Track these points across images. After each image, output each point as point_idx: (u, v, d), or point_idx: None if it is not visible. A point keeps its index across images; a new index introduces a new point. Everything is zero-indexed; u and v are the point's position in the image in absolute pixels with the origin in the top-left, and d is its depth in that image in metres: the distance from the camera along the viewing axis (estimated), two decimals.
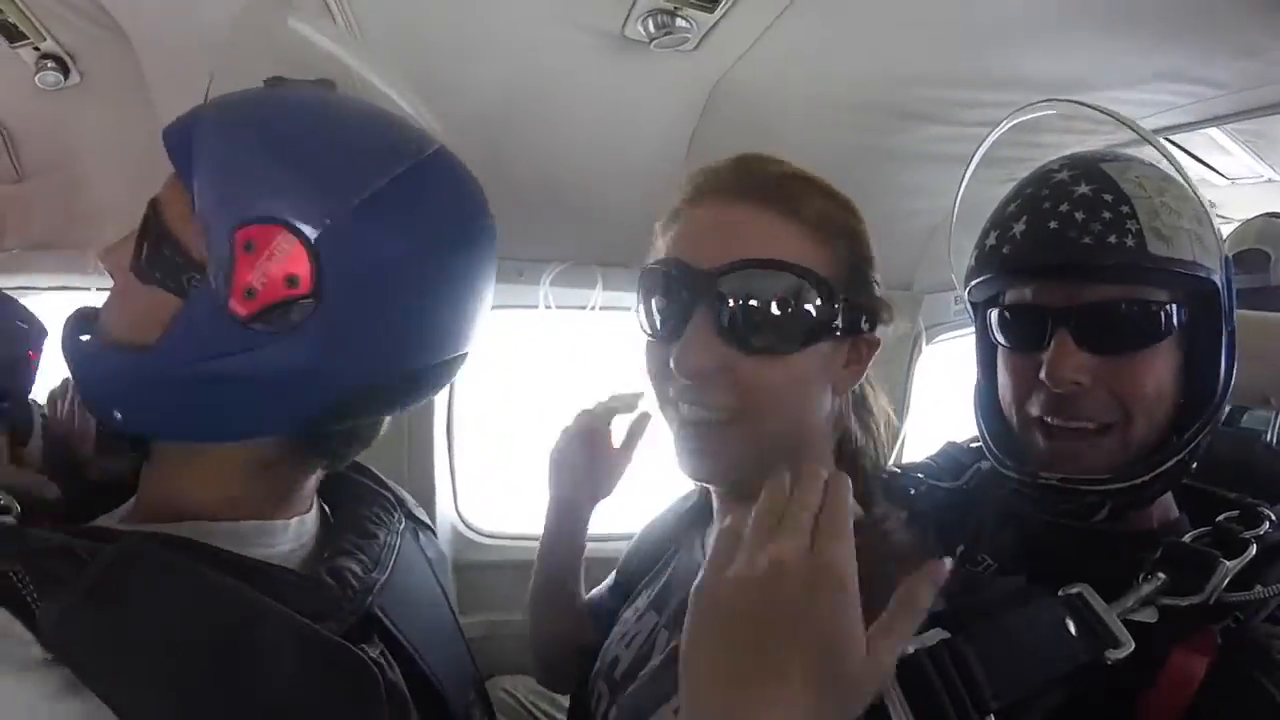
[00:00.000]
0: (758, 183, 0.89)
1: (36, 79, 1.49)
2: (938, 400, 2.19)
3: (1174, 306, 0.91)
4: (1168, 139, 1.68)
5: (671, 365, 0.84)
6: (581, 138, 1.59)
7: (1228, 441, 1.04)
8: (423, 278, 0.76)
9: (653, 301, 0.89)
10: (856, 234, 0.91)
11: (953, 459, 1.24)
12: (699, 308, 0.83)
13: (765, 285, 0.84)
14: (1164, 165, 0.97)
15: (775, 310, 0.84)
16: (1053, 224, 0.91)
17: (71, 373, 0.82)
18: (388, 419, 0.89)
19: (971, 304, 1.06)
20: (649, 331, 0.90)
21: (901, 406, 2.10)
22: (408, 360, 0.78)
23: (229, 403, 0.74)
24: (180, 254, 0.73)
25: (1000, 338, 1.00)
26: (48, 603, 0.62)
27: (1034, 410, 0.97)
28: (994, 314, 1.01)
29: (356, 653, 0.76)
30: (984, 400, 1.08)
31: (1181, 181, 0.95)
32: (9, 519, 0.76)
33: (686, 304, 0.84)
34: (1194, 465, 0.96)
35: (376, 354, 0.75)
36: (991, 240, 0.98)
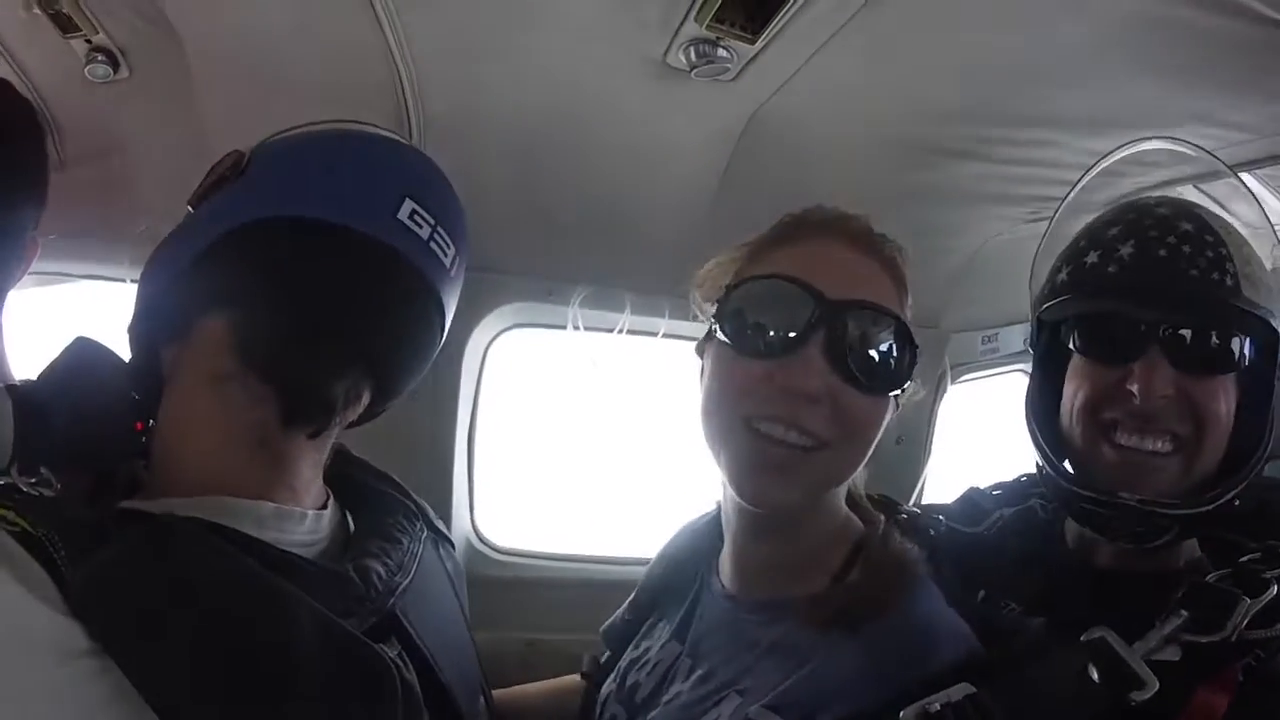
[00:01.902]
0: (866, 234, 0.95)
1: (86, 71, 1.51)
2: (961, 442, 2.18)
3: (1246, 343, 1.00)
4: (1196, 186, 1.68)
5: (779, 381, 0.86)
6: (617, 161, 1.60)
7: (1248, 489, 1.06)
8: (313, 153, 0.93)
9: (760, 315, 0.91)
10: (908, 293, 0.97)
11: (974, 504, 1.26)
12: (818, 332, 0.86)
13: (878, 328, 0.89)
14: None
15: (883, 352, 0.89)
16: (1162, 252, 0.99)
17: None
18: (359, 395, 0.93)
19: (1045, 323, 1.12)
20: (742, 343, 0.91)
21: (924, 447, 2.09)
22: (277, 204, 0.87)
23: (162, 258, 0.90)
24: None
25: (1085, 348, 1.06)
26: (77, 568, 0.65)
27: (1109, 414, 1.02)
28: (1079, 326, 1.06)
29: (376, 650, 0.77)
30: (1041, 418, 1.12)
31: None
32: (49, 492, 0.77)
33: (805, 325, 0.87)
34: (1236, 503, 1.00)
35: (256, 197, 0.88)
36: (1093, 259, 1.04)
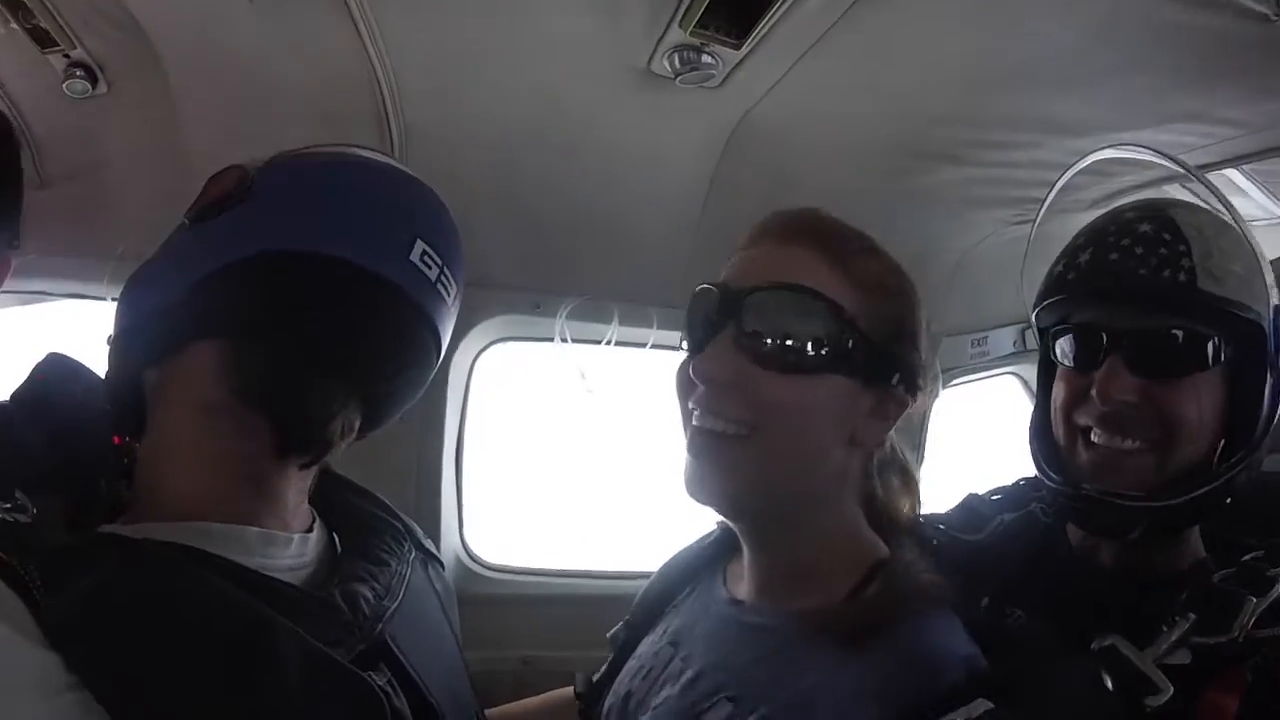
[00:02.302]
0: (816, 230, 0.93)
1: (65, 86, 1.50)
2: (954, 446, 2.18)
3: (1220, 342, 0.98)
4: (1184, 184, 1.68)
5: (690, 373, 0.88)
6: (603, 171, 1.59)
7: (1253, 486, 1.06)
8: (321, 184, 0.89)
9: (689, 318, 0.93)
10: (907, 300, 0.94)
11: (974, 512, 1.26)
12: (726, 322, 0.87)
13: (788, 306, 0.87)
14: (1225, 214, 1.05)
15: (793, 329, 0.87)
16: (1114, 255, 1.01)
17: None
18: (349, 418, 0.91)
19: (1039, 330, 1.14)
20: (687, 348, 0.93)
21: (917, 452, 2.07)
22: (282, 238, 0.85)
23: (153, 281, 0.87)
24: None
25: (1060, 356, 1.07)
26: (54, 599, 0.64)
27: (1081, 420, 1.03)
28: (1056, 335, 1.08)
29: (365, 679, 0.76)
30: (1037, 419, 1.14)
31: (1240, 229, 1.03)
32: (24, 518, 0.75)
33: (715, 319, 0.88)
34: (1229, 499, 1.00)
35: (260, 228, 0.85)
36: (1059, 268, 1.07)
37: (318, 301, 0.84)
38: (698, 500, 0.91)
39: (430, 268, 0.89)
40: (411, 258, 0.88)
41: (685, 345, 0.94)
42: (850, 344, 0.87)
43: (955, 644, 0.83)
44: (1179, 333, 0.98)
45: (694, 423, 0.89)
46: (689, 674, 0.94)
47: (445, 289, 0.92)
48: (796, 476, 0.90)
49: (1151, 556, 1.03)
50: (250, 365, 0.82)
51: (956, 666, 0.80)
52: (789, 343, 0.87)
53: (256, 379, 0.82)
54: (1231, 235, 1.01)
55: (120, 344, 0.87)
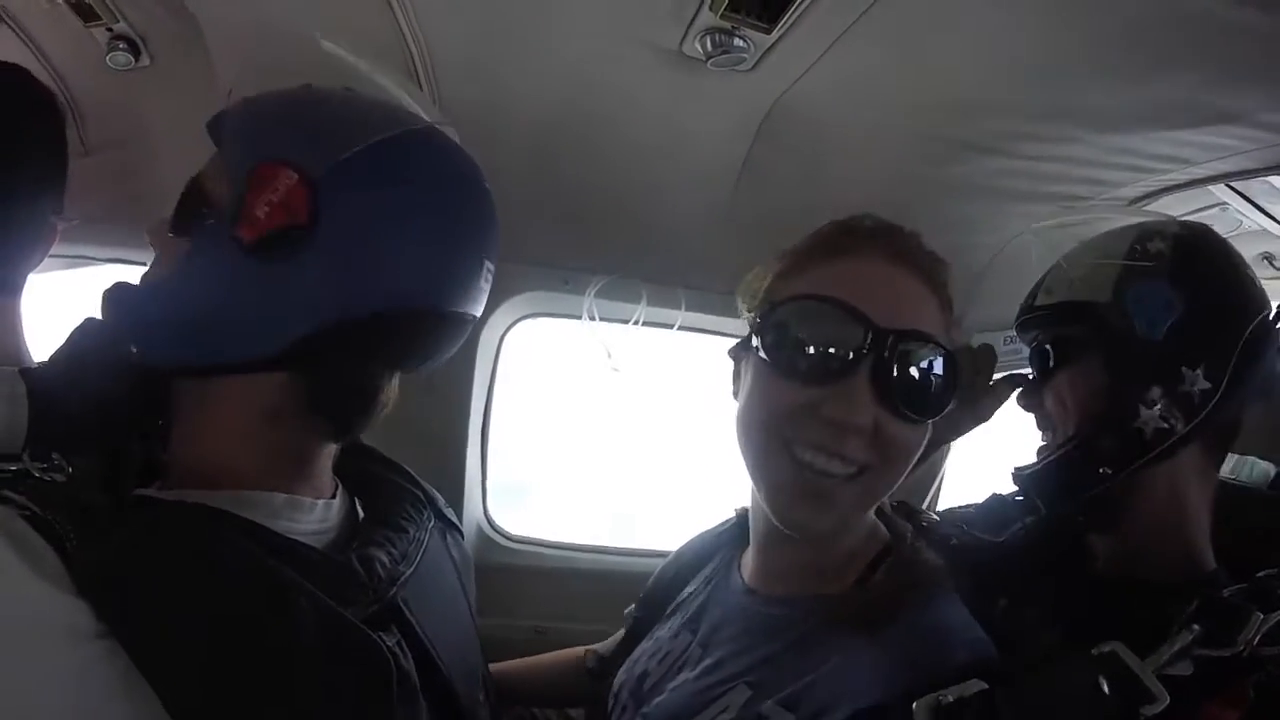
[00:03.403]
0: (916, 252, 0.93)
1: (108, 59, 1.53)
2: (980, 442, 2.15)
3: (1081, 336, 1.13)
4: (1229, 185, 1.65)
5: (826, 412, 0.85)
6: (634, 153, 1.59)
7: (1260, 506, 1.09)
8: (404, 226, 0.83)
9: (805, 337, 0.88)
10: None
11: (995, 512, 1.26)
12: (867, 361, 0.85)
13: (925, 357, 0.87)
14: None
15: (929, 382, 0.87)
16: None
17: (104, 317, 0.89)
18: (392, 394, 0.94)
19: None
20: (784, 364, 0.89)
21: (943, 448, 2.06)
22: (386, 299, 0.83)
23: (229, 323, 0.81)
24: (207, 205, 0.83)
25: None
26: (86, 551, 0.66)
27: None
28: None
29: (374, 638, 0.78)
30: None
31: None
32: (60, 477, 0.78)
33: (854, 354, 0.85)
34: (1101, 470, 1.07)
35: (357, 287, 0.82)
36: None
37: (397, 348, 0.88)
38: (793, 531, 0.91)
39: (489, 281, 0.92)
40: (481, 283, 0.91)
41: (787, 368, 0.89)
42: (954, 389, 0.90)
43: (961, 626, 0.86)
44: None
45: (804, 458, 0.87)
46: (707, 661, 0.96)
47: (490, 284, 0.95)
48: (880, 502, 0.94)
49: (1156, 561, 1.04)
50: (322, 389, 0.86)
51: (962, 647, 0.83)
52: (920, 390, 0.87)
53: (327, 399, 0.86)
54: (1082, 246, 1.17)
55: (151, 357, 0.86)
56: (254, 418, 0.85)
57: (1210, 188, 1.65)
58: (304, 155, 0.81)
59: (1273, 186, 2.25)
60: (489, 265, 0.91)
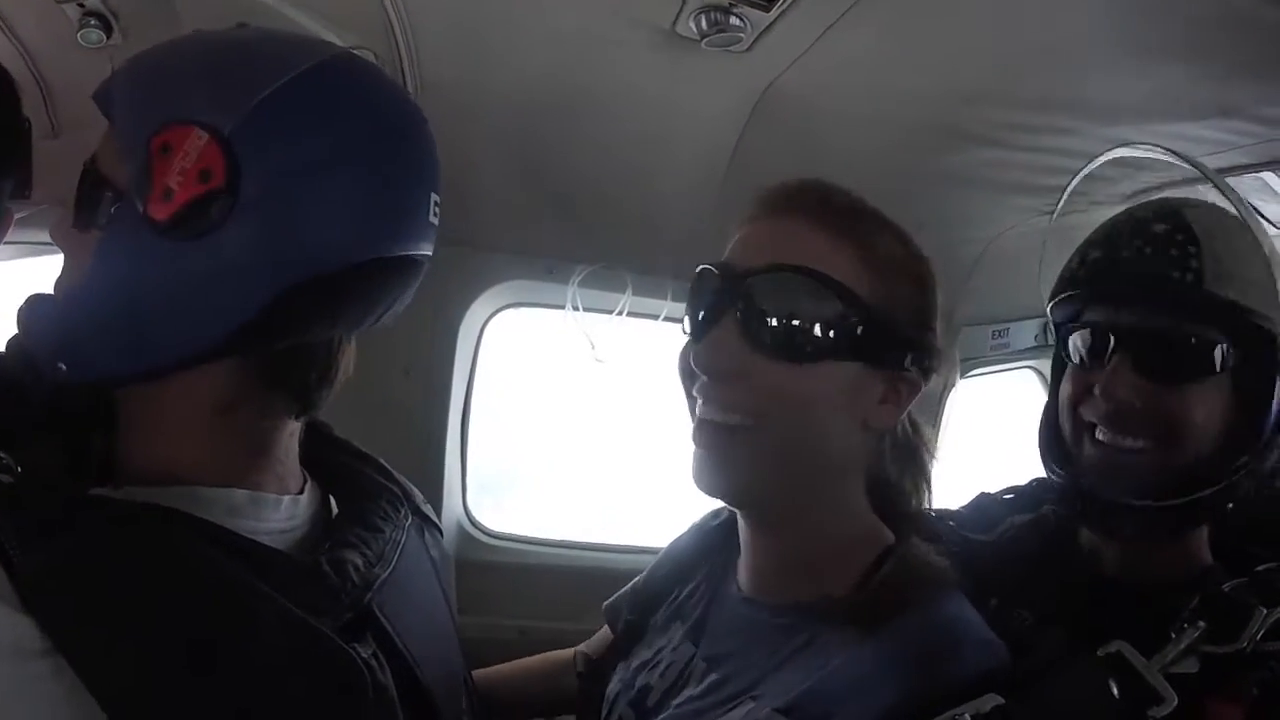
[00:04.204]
0: (822, 204, 0.89)
1: (79, 36, 1.48)
2: (969, 439, 2.15)
3: (1228, 347, 0.96)
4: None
5: (698, 362, 0.85)
6: (623, 135, 1.57)
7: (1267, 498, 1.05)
8: (336, 169, 0.75)
9: (691, 300, 0.90)
10: (920, 278, 0.91)
11: (984, 511, 1.25)
12: (728, 307, 0.84)
13: (793, 289, 0.84)
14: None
15: (798, 314, 0.84)
16: (1124, 254, 0.99)
17: (20, 335, 0.81)
18: (350, 355, 0.86)
19: (1055, 325, 1.13)
20: (688, 332, 0.91)
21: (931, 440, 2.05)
22: (330, 255, 0.75)
23: (161, 321, 0.73)
24: (109, 188, 0.74)
25: (1070, 352, 1.07)
26: (29, 561, 0.62)
27: (1087, 416, 1.03)
28: (1067, 331, 1.08)
29: (347, 651, 0.74)
30: (1047, 412, 1.14)
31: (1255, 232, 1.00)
32: (6, 478, 0.72)
33: (717, 303, 0.85)
34: (1230, 505, 0.99)
35: (298, 248, 0.73)
36: (1073, 263, 1.07)
37: (354, 301, 0.80)
38: (705, 492, 0.90)
39: (436, 216, 0.84)
40: (429, 219, 0.83)
41: (687, 329, 0.91)
42: (859, 327, 0.84)
43: (969, 625, 0.84)
44: (1185, 336, 0.97)
45: (698, 413, 0.87)
46: (713, 677, 0.93)
47: (436, 221, 0.86)
48: (804, 465, 0.89)
49: (1155, 559, 1.02)
50: (274, 367, 0.79)
51: (972, 652, 0.81)
52: (794, 329, 0.83)
53: (280, 375, 0.79)
54: (1248, 239, 0.98)
55: (78, 372, 0.77)
56: (205, 413, 0.78)
57: (1201, 186, 1.64)
58: (208, 110, 0.71)
59: (1265, 183, 2.26)
60: (434, 198, 0.83)
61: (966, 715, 0.72)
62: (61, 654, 0.60)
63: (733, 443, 0.86)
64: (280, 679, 0.69)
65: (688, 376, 0.89)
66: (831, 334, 0.83)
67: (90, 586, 0.64)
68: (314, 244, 0.74)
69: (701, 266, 0.90)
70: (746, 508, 0.94)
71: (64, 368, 0.75)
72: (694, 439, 0.88)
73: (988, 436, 2.30)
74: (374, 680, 0.76)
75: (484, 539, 1.96)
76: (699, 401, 0.87)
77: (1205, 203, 1.03)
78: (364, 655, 0.76)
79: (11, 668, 0.59)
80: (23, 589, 0.61)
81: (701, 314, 0.87)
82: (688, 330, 0.90)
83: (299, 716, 0.70)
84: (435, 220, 0.84)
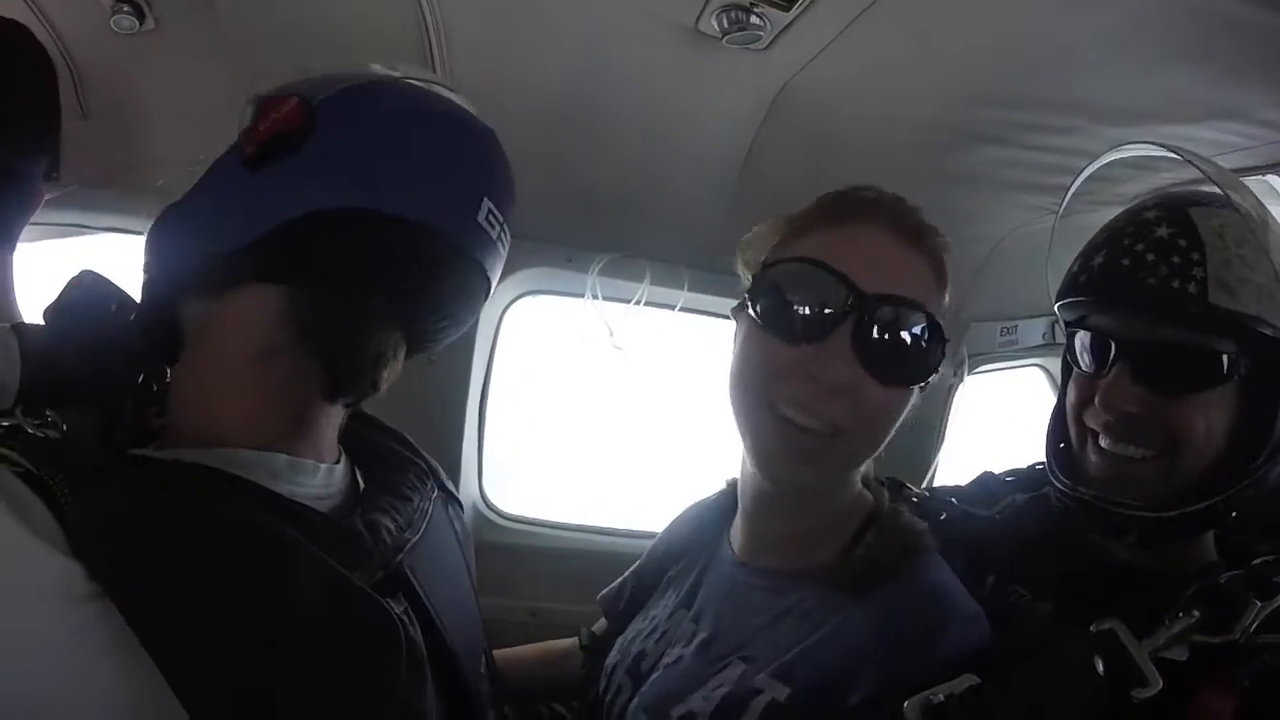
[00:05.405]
0: (913, 224, 0.94)
1: (111, 21, 1.50)
2: (975, 434, 2.16)
3: (1234, 356, 0.94)
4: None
5: (807, 369, 0.87)
6: (643, 129, 1.58)
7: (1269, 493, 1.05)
8: (396, 140, 0.85)
9: (793, 298, 0.91)
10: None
11: (986, 488, 1.27)
12: (848, 323, 0.87)
13: (909, 323, 0.89)
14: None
15: (910, 347, 0.89)
16: (1126, 261, 0.97)
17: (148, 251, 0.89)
18: (397, 361, 0.91)
19: (1064, 325, 1.13)
20: (772, 324, 0.92)
21: (938, 435, 2.08)
22: (371, 198, 0.82)
23: (220, 218, 0.83)
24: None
25: (1074, 358, 1.06)
26: (80, 509, 0.64)
27: (1090, 423, 1.02)
28: (1072, 335, 1.07)
29: (383, 605, 0.77)
30: (1055, 415, 1.13)
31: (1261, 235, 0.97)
32: (54, 434, 0.76)
33: (837, 315, 0.87)
34: (1233, 514, 0.99)
35: (344, 183, 0.82)
36: (1076, 267, 1.05)
37: (386, 260, 0.83)
38: (781, 480, 0.94)
39: (493, 227, 0.88)
40: (479, 219, 0.87)
41: (775, 322, 0.91)
42: (939, 357, 0.91)
43: (952, 593, 0.89)
44: (1187, 347, 0.95)
45: (786, 413, 0.89)
46: (701, 636, 0.97)
47: (503, 243, 0.92)
48: (863, 465, 0.97)
49: (1158, 556, 1.02)
50: (314, 312, 0.82)
51: (955, 623, 0.85)
52: (904, 358, 0.89)
53: (319, 326, 0.82)
54: (1255, 243, 0.96)
55: (162, 275, 0.86)
56: (247, 356, 0.82)
57: (1207, 187, 1.64)
58: (310, 90, 0.84)
59: (1271, 186, 2.26)
60: (490, 205, 0.87)
61: (941, 695, 0.75)
62: (109, 599, 0.62)
63: (817, 448, 0.89)
64: (323, 628, 0.71)
65: (775, 377, 0.90)
66: (926, 363, 0.90)
67: (139, 533, 0.66)
68: (361, 185, 0.82)
69: (803, 262, 0.91)
70: (800, 495, 0.97)
71: (144, 272, 0.86)
72: (775, 436, 0.91)
73: (996, 432, 2.31)
74: (406, 634, 0.79)
75: (498, 521, 1.98)
76: (793, 408, 0.88)
77: (1212, 200, 1.01)
78: (396, 611, 0.79)
79: (59, 610, 0.61)
80: (73, 535, 0.63)
81: (815, 320, 0.88)
82: (778, 326, 0.91)
83: (341, 663, 0.72)
84: (490, 231, 0.88)
